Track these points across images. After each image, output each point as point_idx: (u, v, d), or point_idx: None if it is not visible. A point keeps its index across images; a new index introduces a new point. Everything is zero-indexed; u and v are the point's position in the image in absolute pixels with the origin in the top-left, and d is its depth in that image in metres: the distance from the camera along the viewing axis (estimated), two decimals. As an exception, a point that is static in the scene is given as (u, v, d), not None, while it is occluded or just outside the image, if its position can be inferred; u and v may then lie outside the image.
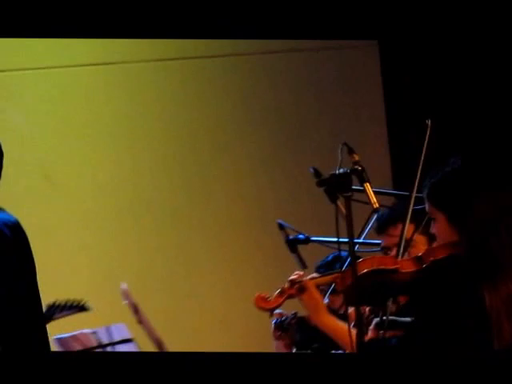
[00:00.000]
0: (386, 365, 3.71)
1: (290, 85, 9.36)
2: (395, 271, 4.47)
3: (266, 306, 5.19)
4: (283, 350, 5.83)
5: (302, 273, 5.23)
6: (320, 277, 5.19)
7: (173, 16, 9.17)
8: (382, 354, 4.71)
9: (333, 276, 5.06)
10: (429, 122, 4.92)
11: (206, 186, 8.62)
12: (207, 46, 9.41)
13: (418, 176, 4.83)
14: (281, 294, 5.12)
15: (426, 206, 4.47)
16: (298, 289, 5.13)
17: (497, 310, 4.23)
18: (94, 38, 9.17)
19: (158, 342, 6.11)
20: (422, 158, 4.88)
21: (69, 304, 6.60)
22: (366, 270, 4.46)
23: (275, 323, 5.46)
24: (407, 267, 4.43)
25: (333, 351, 5.56)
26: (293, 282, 5.12)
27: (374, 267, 4.47)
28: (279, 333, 5.51)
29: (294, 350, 5.89)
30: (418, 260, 4.46)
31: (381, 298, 4.75)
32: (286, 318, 5.43)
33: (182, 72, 9.27)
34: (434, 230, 4.46)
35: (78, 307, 6.58)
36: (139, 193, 8.66)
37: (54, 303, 6.55)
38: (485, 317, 4.24)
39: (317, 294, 5.11)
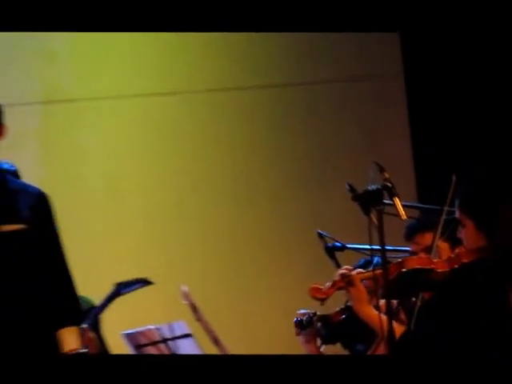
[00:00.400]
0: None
1: (323, 114, 9.48)
2: (431, 270, 4.88)
3: (319, 295, 5.42)
4: (304, 346, 6.23)
5: (350, 267, 5.55)
6: (365, 272, 5.42)
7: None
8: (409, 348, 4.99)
9: (376, 272, 5.12)
10: (454, 178, 5.42)
11: (257, 201, 8.92)
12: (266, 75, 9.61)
13: (444, 214, 5.39)
14: (332, 285, 5.38)
15: (457, 213, 4.85)
16: (346, 282, 5.36)
17: None
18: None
19: (214, 338, 6.28)
20: (446, 208, 5.39)
21: (134, 280, 6.99)
22: (408, 268, 4.92)
23: (295, 322, 5.94)
24: (441, 267, 4.83)
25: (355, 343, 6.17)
26: (343, 276, 5.35)
27: (415, 266, 4.92)
28: (298, 330, 5.96)
29: (319, 345, 6.21)
30: (450, 262, 4.85)
31: (412, 293, 5.35)
32: (305, 317, 5.89)
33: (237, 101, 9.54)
34: (461, 235, 4.84)
35: (142, 281, 6.94)
36: (197, 204, 9.00)
37: (121, 282, 7.06)
38: (509, 318, 4.66)
39: (362, 287, 5.31)
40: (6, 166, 6.27)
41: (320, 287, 5.39)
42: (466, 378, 3.95)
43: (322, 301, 5.45)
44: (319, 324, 5.92)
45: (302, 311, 5.91)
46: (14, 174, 6.45)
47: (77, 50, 9.23)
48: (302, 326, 5.88)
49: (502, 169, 5.79)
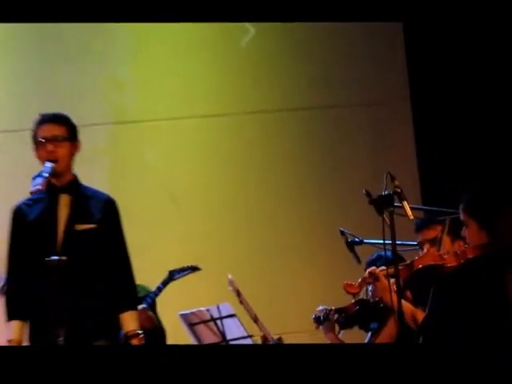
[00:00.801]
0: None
1: (342, 133, 9.23)
2: (441, 266, 5.09)
3: (352, 290, 5.64)
4: (325, 336, 6.38)
5: (375, 268, 5.68)
6: (387, 269, 5.38)
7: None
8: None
9: (396, 268, 5.21)
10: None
11: (290, 205, 8.76)
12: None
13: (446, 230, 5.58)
14: (362, 281, 5.60)
15: (461, 215, 4.94)
16: (373, 278, 5.57)
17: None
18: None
19: (254, 317, 6.57)
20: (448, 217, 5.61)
21: (184, 267, 7.33)
22: (423, 265, 5.17)
23: (314, 318, 6.08)
24: (450, 262, 5.03)
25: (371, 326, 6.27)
26: (370, 274, 5.57)
27: (429, 262, 5.16)
28: (317, 325, 6.11)
29: (338, 332, 6.39)
30: (457, 257, 5.02)
31: (427, 285, 5.13)
32: (323, 313, 6.05)
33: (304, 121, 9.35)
34: (465, 234, 4.96)
35: (191, 268, 7.32)
36: (243, 208, 8.94)
37: (173, 269, 7.41)
38: (507, 304, 4.75)
39: (385, 281, 5.41)
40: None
41: (352, 283, 5.58)
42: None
43: (354, 295, 5.74)
44: (336, 316, 6.02)
45: (320, 308, 6.08)
46: None
47: (140, 77, 9.22)
48: (319, 321, 6.04)
49: (501, 176, 5.98)
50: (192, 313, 6.76)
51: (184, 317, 6.73)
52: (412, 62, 9.44)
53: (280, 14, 9.34)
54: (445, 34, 9.38)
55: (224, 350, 4.75)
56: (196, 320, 6.71)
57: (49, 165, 5.38)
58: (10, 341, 5.47)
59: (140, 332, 5.64)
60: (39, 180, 5.75)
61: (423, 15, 9.48)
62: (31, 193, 6.08)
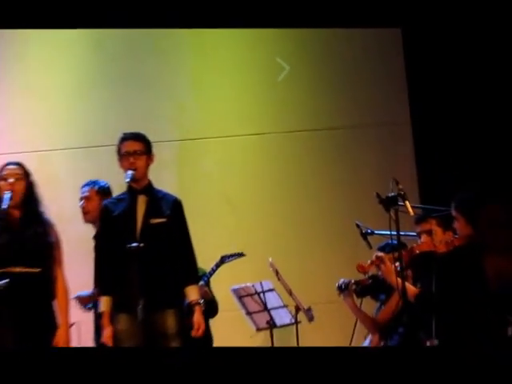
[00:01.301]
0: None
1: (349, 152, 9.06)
2: (435, 251, 5.40)
3: (363, 269, 5.84)
4: (345, 301, 6.49)
5: (382, 253, 5.80)
6: (393, 254, 5.52)
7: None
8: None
9: (398, 254, 5.39)
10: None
11: (320, 206, 8.61)
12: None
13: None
14: (371, 263, 5.74)
15: (453, 212, 5.39)
16: (380, 261, 5.68)
17: (491, 276, 5.13)
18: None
19: (289, 291, 6.92)
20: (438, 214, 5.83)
21: (233, 253, 7.20)
22: (420, 250, 5.50)
23: (337, 287, 6.33)
24: (441, 249, 5.35)
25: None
26: (377, 257, 5.69)
27: (425, 249, 5.48)
28: (339, 292, 6.31)
29: (356, 299, 6.52)
30: (447, 245, 5.34)
31: (424, 267, 5.55)
32: (343, 284, 6.29)
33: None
34: (456, 226, 5.38)
35: (239, 254, 7.19)
36: (282, 206, 8.74)
37: (224, 254, 7.29)
38: (484, 277, 5.15)
39: (390, 265, 5.57)
40: (102, 183, 6.73)
41: (364, 264, 5.79)
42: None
43: (365, 273, 5.96)
44: (354, 286, 6.25)
45: (342, 280, 6.29)
46: (108, 189, 6.84)
47: (201, 101, 9.06)
48: (341, 289, 6.27)
49: (485, 183, 5.96)
50: (241, 288, 7.00)
51: (235, 291, 6.99)
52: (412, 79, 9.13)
53: (278, 20, 9.00)
54: (441, 54, 8.95)
55: (224, 352, 4.33)
56: (244, 293, 6.95)
57: (130, 173, 5.65)
58: (102, 312, 5.68)
59: (201, 301, 5.91)
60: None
61: (424, 45, 9.15)
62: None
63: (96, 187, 6.61)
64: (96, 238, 6.30)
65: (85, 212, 6.48)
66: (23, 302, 5.58)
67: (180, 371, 3.69)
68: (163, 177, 6.71)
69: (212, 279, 7.21)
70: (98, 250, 6.00)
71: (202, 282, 6.85)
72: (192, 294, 5.81)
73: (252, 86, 9.33)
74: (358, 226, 6.44)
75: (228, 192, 8.73)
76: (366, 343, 6.58)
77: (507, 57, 8.83)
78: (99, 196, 6.55)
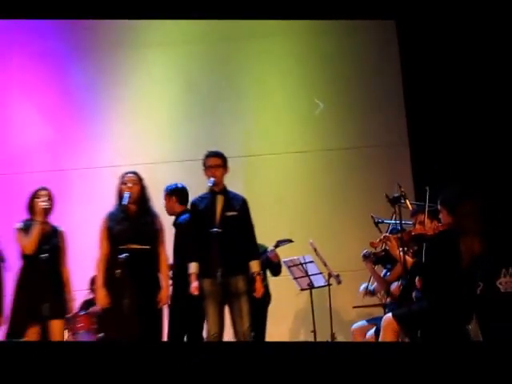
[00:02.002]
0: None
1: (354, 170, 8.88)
2: (425, 234, 5.46)
3: (373, 245, 6.17)
4: (366, 266, 6.65)
5: (388, 234, 6.09)
6: (398, 235, 5.80)
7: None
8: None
9: (400, 234, 5.64)
10: (427, 189, 5.90)
11: (349, 206, 8.56)
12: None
13: (427, 203, 5.88)
14: (379, 241, 6.04)
15: (439, 206, 5.44)
16: (386, 239, 5.96)
17: (464, 252, 5.20)
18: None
19: (324, 263, 7.18)
20: (427, 208, 5.87)
21: (285, 239, 7.20)
22: (416, 232, 5.57)
23: (362, 255, 6.53)
24: (429, 232, 5.42)
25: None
26: (384, 237, 5.98)
27: (417, 232, 5.55)
28: (363, 259, 6.49)
29: (373, 266, 6.66)
30: (434, 230, 5.41)
31: (418, 244, 5.65)
32: (367, 253, 6.48)
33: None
34: (440, 216, 5.43)
35: (289, 240, 7.20)
36: (320, 205, 8.72)
37: (279, 240, 7.26)
38: (459, 255, 5.22)
39: (395, 242, 5.83)
40: (180, 185, 6.82)
41: (374, 241, 6.12)
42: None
43: (375, 248, 6.25)
44: (372, 256, 6.44)
45: (365, 251, 6.47)
46: (184, 190, 6.93)
47: (262, 124, 9.10)
48: (364, 257, 6.47)
49: (462, 186, 5.78)
50: (290, 260, 7.29)
51: (285, 262, 7.28)
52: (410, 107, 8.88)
53: (278, 12, 8.58)
54: (439, 81, 8.59)
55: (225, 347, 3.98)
56: (292, 264, 7.27)
57: (212, 180, 6.03)
58: (191, 273, 5.94)
59: (262, 272, 6.28)
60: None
61: (422, 80, 8.77)
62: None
63: (169, 189, 6.79)
64: (175, 225, 6.60)
65: (166, 208, 6.74)
66: (138, 269, 5.86)
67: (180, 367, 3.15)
68: (234, 182, 6.62)
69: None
70: (191, 234, 6.20)
71: (271, 248, 7.15)
72: (254, 266, 6.09)
73: (295, 114, 9.18)
74: (372, 217, 6.57)
75: (280, 194, 8.72)
76: (369, 334, 6.48)
77: (497, 76, 8.40)
78: (173, 197, 6.76)
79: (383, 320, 5.65)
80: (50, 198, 6.34)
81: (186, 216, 6.59)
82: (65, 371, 2.99)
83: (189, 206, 6.67)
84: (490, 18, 8.20)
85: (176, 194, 6.80)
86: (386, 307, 6.53)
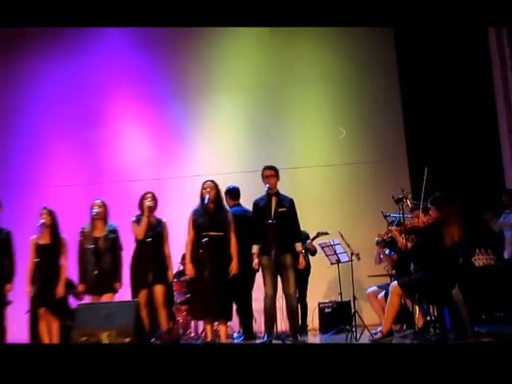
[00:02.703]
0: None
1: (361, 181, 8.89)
2: (419, 226, 5.57)
3: (380, 235, 6.14)
4: (378, 249, 6.57)
5: (391, 227, 6.02)
6: (397, 227, 5.84)
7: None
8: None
9: (401, 228, 5.69)
10: (425, 170, 5.76)
11: (365, 203, 8.48)
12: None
13: (422, 197, 5.79)
14: (385, 233, 6.00)
15: (429, 205, 5.55)
16: (389, 231, 5.90)
17: (448, 237, 5.38)
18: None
19: (347, 245, 7.02)
20: (423, 194, 5.77)
21: (323, 231, 7.38)
22: (412, 225, 5.60)
23: (375, 241, 6.46)
24: (422, 224, 5.53)
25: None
26: (389, 230, 5.93)
27: (414, 224, 5.62)
28: (376, 244, 6.44)
29: (386, 251, 6.53)
30: (425, 223, 5.53)
31: (414, 233, 5.67)
32: (378, 240, 6.38)
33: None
34: (430, 212, 5.54)
35: (326, 232, 7.35)
36: (345, 207, 8.71)
37: (318, 231, 7.41)
38: (443, 242, 5.41)
39: (396, 233, 5.76)
40: (231, 187, 6.89)
41: (381, 233, 6.10)
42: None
43: (382, 238, 6.21)
44: (382, 242, 6.38)
45: (377, 238, 6.39)
46: (235, 189, 6.92)
47: (303, 143, 9.14)
48: (377, 242, 6.44)
49: (448, 190, 5.84)
50: (324, 242, 7.30)
51: (320, 244, 7.35)
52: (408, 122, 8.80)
53: (281, 19, 8.07)
54: (435, 103, 8.40)
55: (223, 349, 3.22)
56: (325, 245, 7.26)
57: (268, 186, 6.16)
58: (254, 253, 6.05)
59: (303, 251, 6.32)
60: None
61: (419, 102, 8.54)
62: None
63: (225, 189, 6.74)
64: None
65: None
66: (214, 249, 5.93)
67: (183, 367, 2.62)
68: (283, 187, 6.48)
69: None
70: (253, 224, 6.22)
71: (309, 241, 7.31)
72: (298, 247, 6.17)
73: (325, 137, 9.21)
74: (382, 212, 6.42)
75: (316, 196, 8.76)
76: (380, 296, 6.34)
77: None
78: (227, 195, 6.77)
79: (390, 286, 5.68)
80: (154, 199, 6.40)
81: (235, 208, 6.67)
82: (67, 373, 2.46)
83: (241, 202, 6.84)
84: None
85: (229, 192, 6.83)
86: (391, 277, 6.49)
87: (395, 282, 5.61)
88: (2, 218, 6.43)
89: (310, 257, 7.45)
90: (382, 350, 3.89)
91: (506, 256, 6.99)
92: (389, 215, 6.29)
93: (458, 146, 8.17)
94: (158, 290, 6.29)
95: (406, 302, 5.75)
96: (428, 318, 5.70)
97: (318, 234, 7.34)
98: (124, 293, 6.44)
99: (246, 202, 6.66)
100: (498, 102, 8.05)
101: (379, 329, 5.82)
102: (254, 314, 7.11)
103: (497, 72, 8.04)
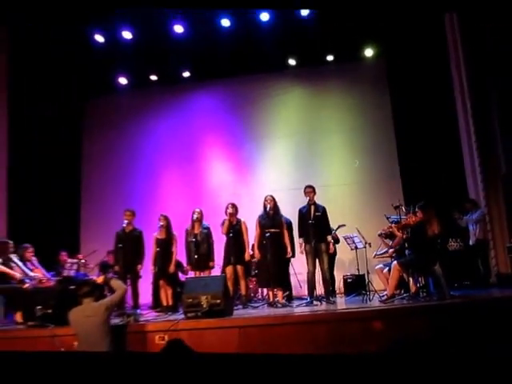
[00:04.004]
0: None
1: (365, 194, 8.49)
2: (410, 223, 5.29)
3: (384, 231, 5.93)
4: (381, 239, 6.18)
5: (391, 225, 5.72)
6: (396, 225, 5.55)
7: None
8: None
9: (398, 225, 5.49)
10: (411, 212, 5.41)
11: (372, 209, 8.08)
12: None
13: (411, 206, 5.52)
14: (387, 228, 5.80)
15: (417, 209, 5.29)
16: (389, 228, 5.74)
17: (430, 231, 5.14)
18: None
19: (362, 237, 6.68)
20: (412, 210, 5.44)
21: (342, 224, 7.04)
22: (405, 223, 5.35)
23: (378, 234, 6.14)
24: (413, 222, 5.26)
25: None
26: (389, 227, 5.75)
27: (406, 223, 5.35)
28: (378, 236, 6.10)
29: (389, 247, 6.07)
30: (415, 221, 5.24)
31: (407, 229, 5.39)
32: (381, 232, 6.09)
33: None
34: (418, 214, 5.24)
35: (344, 225, 7.03)
36: (358, 212, 8.29)
37: (339, 224, 6.96)
38: (427, 234, 5.16)
39: (394, 229, 5.52)
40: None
41: (384, 228, 5.94)
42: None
43: (386, 232, 5.98)
44: (383, 234, 6.10)
45: (379, 231, 6.13)
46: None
47: (330, 169, 8.72)
48: (380, 235, 6.13)
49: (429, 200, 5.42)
50: (346, 235, 7.01)
51: (344, 236, 7.03)
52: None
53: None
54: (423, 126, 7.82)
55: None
56: (347, 237, 6.95)
57: (308, 198, 5.95)
58: (300, 243, 5.80)
59: (332, 241, 6.11)
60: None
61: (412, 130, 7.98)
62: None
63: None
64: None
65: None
66: (274, 240, 5.81)
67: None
68: (318, 199, 6.15)
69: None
70: (299, 221, 5.89)
71: (333, 232, 6.74)
72: (328, 238, 5.98)
73: (344, 163, 8.84)
74: (385, 215, 6.09)
75: (339, 204, 8.32)
76: (385, 271, 5.90)
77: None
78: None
79: (392, 264, 5.46)
80: (234, 207, 6.23)
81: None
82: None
83: (289, 209, 6.36)
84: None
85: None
86: (392, 258, 6.16)
87: (395, 262, 5.43)
88: (136, 222, 6.39)
89: (336, 245, 7.08)
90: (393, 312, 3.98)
91: (470, 243, 6.80)
92: (390, 217, 6.04)
93: (434, 166, 7.87)
94: (238, 267, 6.15)
95: (403, 275, 5.50)
96: (418, 285, 5.50)
97: (339, 226, 7.04)
98: (216, 270, 6.42)
99: (294, 208, 6.22)
100: (461, 133, 7.41)
101: (385, 293, 5.62)
102: (301, 283, 7.07)
103: (459, 104, 7.33)
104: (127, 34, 7.59)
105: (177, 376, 1.44)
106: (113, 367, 1.52)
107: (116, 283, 4.37)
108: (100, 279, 4.50)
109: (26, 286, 5.50)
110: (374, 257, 6.43)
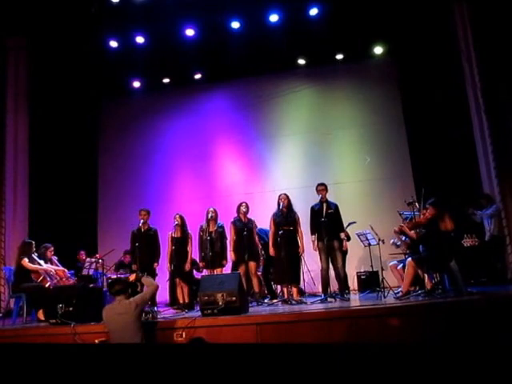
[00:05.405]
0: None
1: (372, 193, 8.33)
2: (422, 221, 5.25)
3: (396, 230, 5.68)
4: (396, 236, 6.00)
5: (402, 224, 5.54)
6: (407, 223, 5.47)
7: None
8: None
9: (412, 223, 5.37)
10: (423, 190, 5.45)
11: (385, 206, 7.94)
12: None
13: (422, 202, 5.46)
14: (399, 228, 5.52)
15: (427, 205, 5.21)
16: (401, 227, 5.45)
17: (443, 228, 5.09)
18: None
19: (376, 233, 6.57)
20: (422, 202, 5.41)
21: (353, 221, 6.95)
22: (416, 221, 5.31)
23: (394, 230, 5.80)
24: (424, 220, 5.21)
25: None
26: (401, 226, 5.46)
27: (417, 221, 5.30)
28: (394, 232, 5.82)
29: (402, 238, 5.92)
30: (425, 218, 5.20)
31: (418, 228, 5.33)
32: (395, 229, 5.66)
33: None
34: (429, 211, 5.17)
35: (354, 222, 6.94)
36: (370, 210, 8.10)
37: (351, 221, 6.85)
38: (439, 230, 5.08)
39: (406, 229, 5.36)
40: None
41: (396, 228, 5.64)
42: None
43: (396, 233, 5.78)
44: (398, 231, 5.72)
45: (395, 228, 5.76)
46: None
47: (343, 172, 8.63)
48: (395, 231, 5.77)
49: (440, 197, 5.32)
50: (359, 231, 6.92)
51: (357, 233, 6.93)
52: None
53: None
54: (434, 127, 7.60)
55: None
56: (360, 233, 6.86)
57: (320, 196, 5.88)
58: (313, 240, 5.71)
59: (345, 238, 6.01)
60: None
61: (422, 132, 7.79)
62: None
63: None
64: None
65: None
66: (287, 237, 5.72)
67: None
68: (330, 196, 6.08)
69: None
70: (311, 220, 5.84)
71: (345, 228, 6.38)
72: (342, 235, 5.89)
73: (355, 161, 8.70)
74: (398, 211, 6.01)
75: (351, 201, 8.19)
76: (399, 267, 5.92)
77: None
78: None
79: (407, 261, 5.38)
80: (246, 206, 6.26)
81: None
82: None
83: (302, 205, 6.26)
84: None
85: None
86: (406, 255, 6.15)
87: (410, 258, 5.33)
88: (150, 221, 6.35)
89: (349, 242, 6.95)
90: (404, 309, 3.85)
91: (486, 239, 6.68)
92: (403, 213, 5.95)
93: (447, 162, 7.64)
94: (252, 265, 6.15)
95: (418, 271, 5.40)
96: (433, 282, 5.38)
97: (349, 224, 6.90)
98: (228, 267, 6.42)
99: (307, 206, 6.14)
100: (474, 129, 7.20)
101: (400, 289, 5.53)
102: (314, 281, 6.96)
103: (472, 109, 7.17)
104: (140, 39, 7.74)
105: (204, 365, 1.46)
106: (144, 358, 1.53)
107: (148, 280, 4.35)
108: (132, 277, 4.59)
109: (48, 284, 5.49)
110: (392, 244, 6.33)
